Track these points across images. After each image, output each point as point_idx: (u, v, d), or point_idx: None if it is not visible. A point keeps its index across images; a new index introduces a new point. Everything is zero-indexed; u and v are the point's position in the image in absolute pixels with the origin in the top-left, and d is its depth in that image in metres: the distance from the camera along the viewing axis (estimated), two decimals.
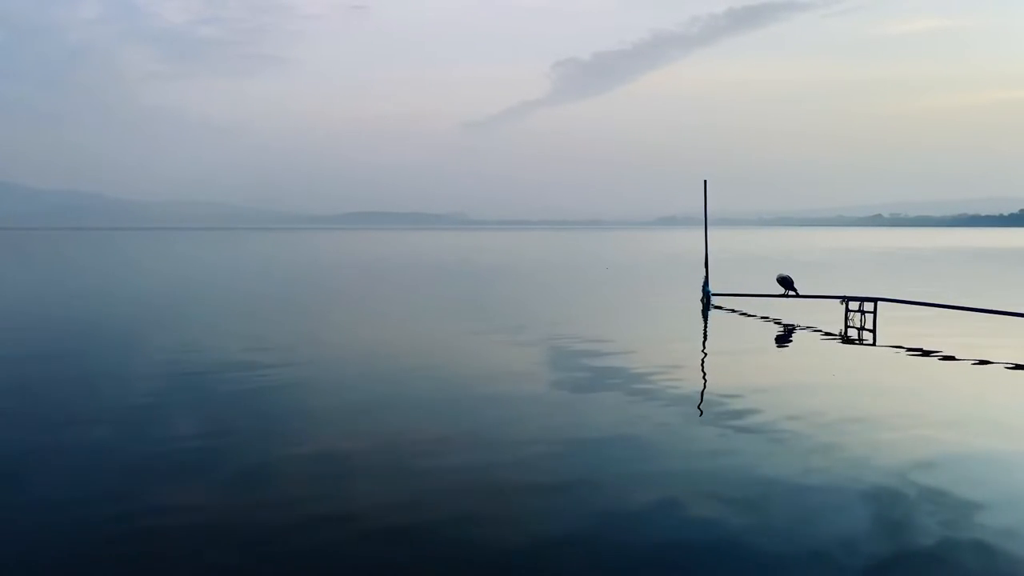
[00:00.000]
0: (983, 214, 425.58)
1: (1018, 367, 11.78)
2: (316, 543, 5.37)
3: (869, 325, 15.80)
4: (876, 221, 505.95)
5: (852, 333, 15.38)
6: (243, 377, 10.92)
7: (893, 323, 16.01)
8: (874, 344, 14.20)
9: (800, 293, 19.44)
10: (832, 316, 16.92)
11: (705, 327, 17.09)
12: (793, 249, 67.31)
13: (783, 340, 15.15)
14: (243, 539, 5.45)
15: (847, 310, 16.68)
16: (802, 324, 16.73)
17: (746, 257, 50.96)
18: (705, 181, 21.92)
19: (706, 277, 21.00)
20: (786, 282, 19.58)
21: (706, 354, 13.58)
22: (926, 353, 13.00)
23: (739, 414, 8.80)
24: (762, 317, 18.06)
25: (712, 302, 20.37)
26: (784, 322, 17.15)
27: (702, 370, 12.02)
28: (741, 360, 12.79)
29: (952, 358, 12.52)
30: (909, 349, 13.39)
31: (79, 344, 14.42)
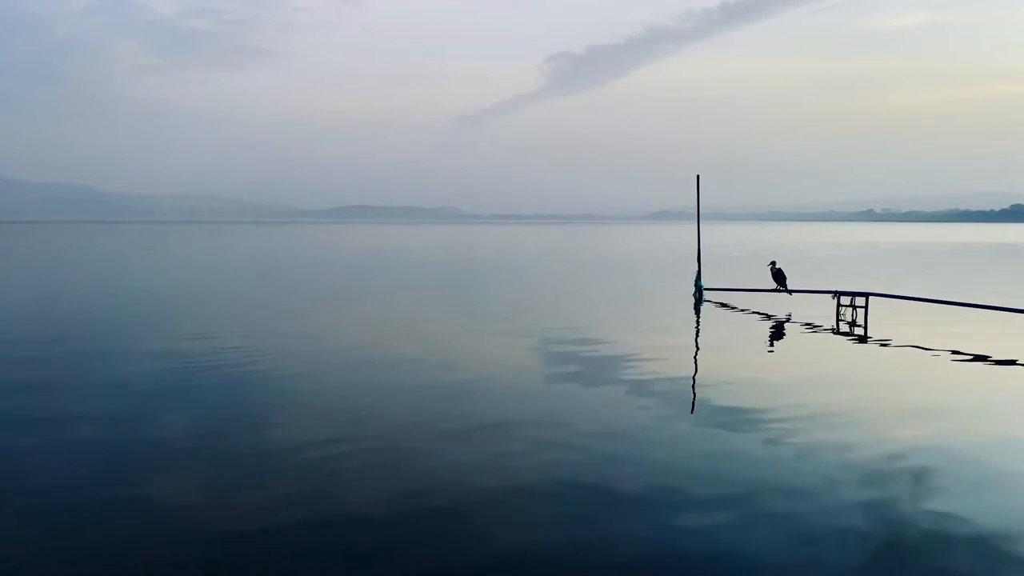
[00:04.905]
0: (974, 209, 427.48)
1: (1009, 362, 11.84)
2: (307, 535, 5.34)
3: (860, 320, 15.86)
4: (868, 216, 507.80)
5: (844, 328, 15.43)
6: (233, 371, 10.85)
7: (884, 318, 16.05)
8: (865, 339, 14.25)
9: (791, 289, 19.37)
10: (824, 311, 16.98)
11: (697, 321, 17.11)
12: (785, 244, 67.46)
13: (775, 335, 15.18)
14: (235, 532, 5.41)
15: (839, 305, 16.75)
16: (794, 319, 16.77)
17: (739, 252, 51.07)
18: (698, 176, 21.92)
19: (698, 271, 21.03)
20: (778, 274, 19.52)
21: (698, 349, 13.58)
22: (917, 348, 13.03)
23: (730, 409, 8.80)
24: (754, 312, 18.09)
25: (704, 296, 20.39)
26: (776, 317, 17.18)
27: (694, 365, 12.03)
28: (733, 355, 12.81)
29: (942, 353, 12.56)
30: (900, 344, 13.43)
31: (66, 336, 14.30)
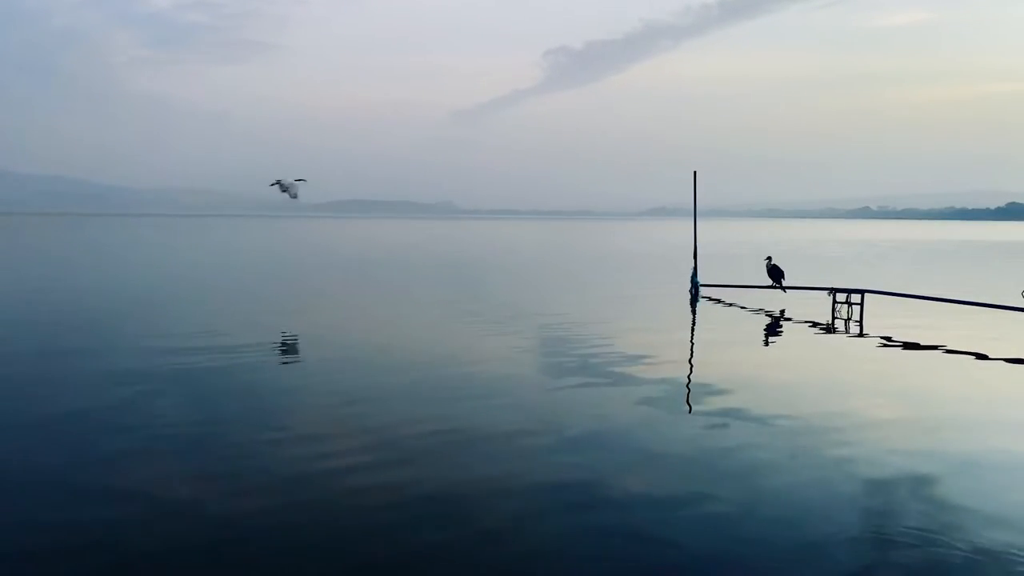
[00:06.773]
0: (970, 207, 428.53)
1: (1004, 359, 11.86)
2: (302, 530, 5.34)
3: (856, 317, 15.88)
4: (864, 213, 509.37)
5: (839, 325, 15.45)
6: (231, 366, 10.83)
7: (880, 315, 16.08)
8: (861, 336, 14.27)
9: (787, 286, 19.37)
10: (820, 308, 17.00)
11: (693, 318, 17.12)
12: (783, 241, 67.49)
13: (771, 332, 15.19)
14: (231, 526, 5.40)
15: (835, 302, 16.76)
16: (790, 316, 16.79)
17: (736, 249, 51.08)
18: (695, 172, 21.86)
19: (695, 268, 21.01)
20: (775, 271, 19.51)
21: (694, 345, 13.59)
22: (912, 345, 13.06)
23: (726, 406, 8.80)
24: (750, 308, 18.10)
25: (700, 293, 20.39)
26: (772, 314, 17.20)
27: (690, 362, 12.03)
28: (729, 352, 12.81)
29: (938, 349, 12.59)
30: (896, 341, 13.45)
31: (61, 332, 14.25)
